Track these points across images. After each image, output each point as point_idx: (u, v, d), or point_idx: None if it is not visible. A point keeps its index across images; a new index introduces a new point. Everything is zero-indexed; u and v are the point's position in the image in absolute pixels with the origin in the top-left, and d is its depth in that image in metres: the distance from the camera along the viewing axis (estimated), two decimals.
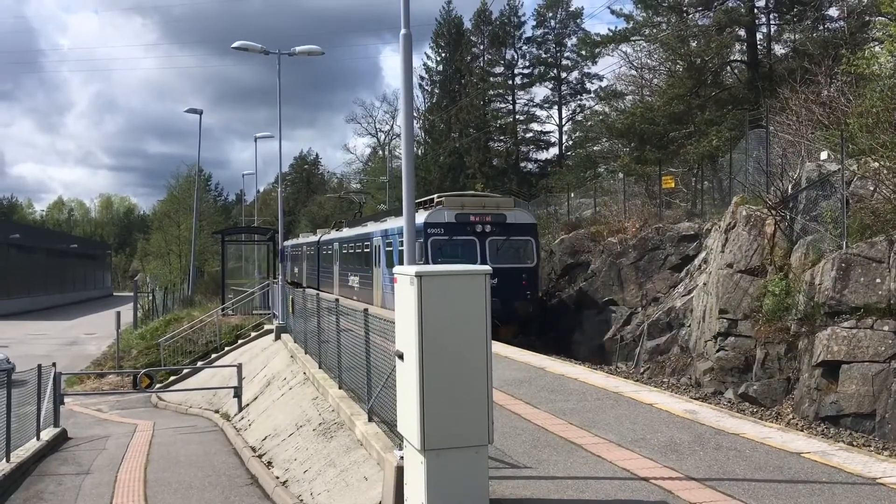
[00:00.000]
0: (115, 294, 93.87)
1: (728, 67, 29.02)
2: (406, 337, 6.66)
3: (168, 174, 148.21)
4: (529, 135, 51.63)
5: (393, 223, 24.46)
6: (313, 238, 41.06)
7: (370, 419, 9.81)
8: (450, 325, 6.36)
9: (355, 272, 29.25)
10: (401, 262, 24.21)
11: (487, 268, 6.65)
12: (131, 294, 50.24)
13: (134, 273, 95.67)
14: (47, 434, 16.24)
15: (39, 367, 16.67)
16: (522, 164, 51.43)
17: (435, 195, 23.06)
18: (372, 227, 27.68)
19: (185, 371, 26.06)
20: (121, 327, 31.23)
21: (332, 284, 33.13)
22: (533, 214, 23.79)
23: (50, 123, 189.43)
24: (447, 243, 20.66)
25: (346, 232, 32.65)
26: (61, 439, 16.75)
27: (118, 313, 31.16)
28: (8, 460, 12.95)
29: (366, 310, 10.29)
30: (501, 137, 51.25)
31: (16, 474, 12.63)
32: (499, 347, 16.97)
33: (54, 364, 18.67)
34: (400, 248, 21.56)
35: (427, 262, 20.30)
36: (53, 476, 12.85)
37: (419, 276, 6.38)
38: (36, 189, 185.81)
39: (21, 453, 13.89)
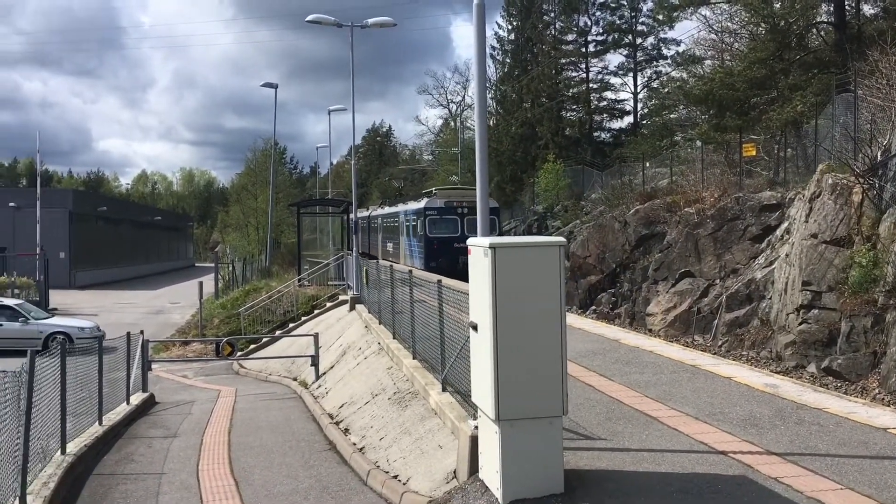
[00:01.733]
0: (196, 265, 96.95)
1: (814, 29, 27.78)
2: (480, 308, 6.70)
3: (245, 148, 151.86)
4: (603, 103, 50.65)
5: (412, 206, 33.78)
6: (365, 213, 48.91)
7: (444, 389, 9.93)
8: (524, 296, 6.38)
9: (390, 240, 38.63)
10: (414, 235, 30.33)
11: (562, 239, 6.64)
12: (212, 265, 51.79)
13: (214, 244, 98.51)
14: (136, 399, 17.00)
15: (128, 334, 17.41)
16: (596, 134, 50.54)
17: (433, 188, 35.58)
18: (400, 208, 36.90)
19: (265, 340, 26.80)
20: (203, 297, 32.25)
21: (377, 249, 41.60)
22: (497, 201, 33.81)
23: (133, 100, 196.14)
24: (438, 220, 30.18)
25: (386, 210, 42.16)
26: (150, 404, 17.50)
27: (200, 283, 32.18)
28: (100, 423, 13.61)
29: (439, 280, 10.38)
30: (574, 107, 50.42)
31: (108, 436, 13.26)
32: (572, 319, 16.92)
33: (142, 332, 19.48)
34: (414, 224, 32.19)
35: (426, 234, 29.88)
36: (143, 439, 13.45)
37: (493, 247, 6.39)
38: (121, 163, 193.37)
39: (112, 417, 14.57)
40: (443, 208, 30.23)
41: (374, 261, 21.43)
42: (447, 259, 29.11)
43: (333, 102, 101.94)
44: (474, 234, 25.97)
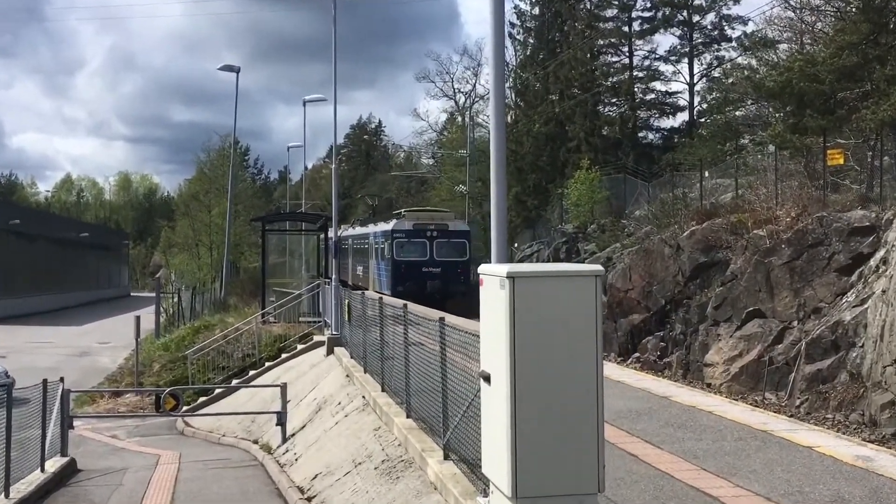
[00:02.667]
0: (133, 294, 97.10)
1: None
2: (494, 354, 6.72)
3: (197, 147, 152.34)
4: (650, 96, 50.91)
5: (381, 227, 40.74)
6: (345, 233, 55.77)
7: (446, 457, 9.92)
8: (550, 340, 6.42)
9: (360, 263, 45.64)
10: (382, 259, 38.27)
11: (599, 268, 6.68)
12: (153, 294, 51.82)
13: (156, 268, 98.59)
14: (53, 465, 16.95)
15: (45, 382, 17.39)
16: (641, 134, 50.74)
17: (402, 210, 44.16)
18: (370, 229, 43.52)
19: (218, 391, 26.80)
20: (141, 335, 32.25)
21: (347, 273, 46.17)
22: (466, 223, 41.22)
23: (56, 85, 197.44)
24: (406, 243, 36.60)
25: (357, 230, 48.32)
26: (69, 471, 17.45)
27: (137, 318, 32.17)
28: (7, 496, 13.56)
29: (442, 318, 10.43)
30: (614, 100, 50.67)
31: None
32: (610, 369, 16.93)
33: (62, 379, 19.43)
34: (381, 246, 38.33)
35: (393, 257, 35.85)
36: None
37: (512, 277, 6.42)
38: (40, 165, 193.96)
39: (22, 487, 14.52)
40: (411, 231, 37.10)
41: (360, 292, 21.55)
42: (415, 283, 35.41)
43: (310, 91, 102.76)
44: (444, 257, 34.17)
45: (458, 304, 34.89)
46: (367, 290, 34.33)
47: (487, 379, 6.86)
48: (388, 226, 38.57)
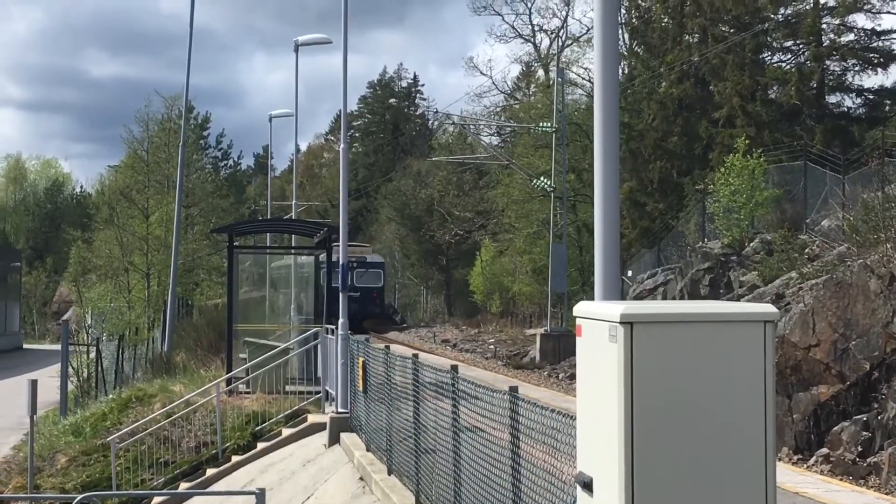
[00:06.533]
0: (26, 346, 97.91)
1: None
2: (598, 447, 6.74)
3: (128, 117, 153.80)
4: (847, 39, 50.59)
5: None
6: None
7: None
8: (690, 424, 6.43)
9: None
10: None
11: (770, 308, 6.71)
12: (57, 347, 52.28)
13: (62, 306, 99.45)
14: None
15: None
16: (832, 99, 50.45)
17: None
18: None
19: (158, 500, 26.85)
20: (38, 411, 32.47)
21: None
22: (381, 255, 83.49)
23: None
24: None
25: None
26: None
27: (33, 384, 32.45)
28: None
29: (512, 391, 10.33)
30: (788, 43, 50.53)
31: None
32: (784, 473, 16.78)
33: None
34: None
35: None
36: None
37: (629, 322, 6.39)
38: None
39: None
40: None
41: (383, 346, 21.49)
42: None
43: (305, 30, 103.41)
44: (363, 284, 76.72)
45: (372, 323, 68.93)
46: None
47: (588, 486, 6.84)
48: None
